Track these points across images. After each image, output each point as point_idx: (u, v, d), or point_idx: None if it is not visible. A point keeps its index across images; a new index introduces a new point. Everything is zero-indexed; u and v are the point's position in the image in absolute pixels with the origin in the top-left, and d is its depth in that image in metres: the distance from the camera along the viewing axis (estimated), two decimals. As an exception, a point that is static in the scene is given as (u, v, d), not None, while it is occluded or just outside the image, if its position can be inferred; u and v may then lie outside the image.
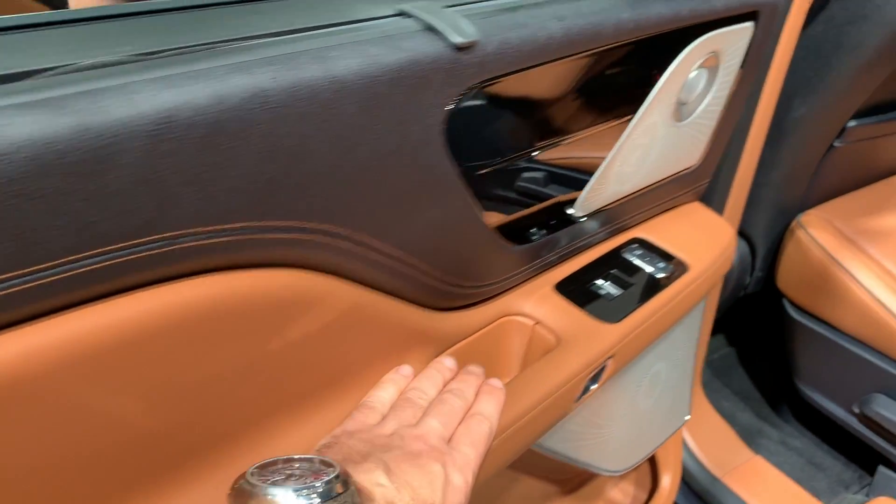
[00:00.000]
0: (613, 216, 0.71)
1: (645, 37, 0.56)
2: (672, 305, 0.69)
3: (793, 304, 1.16)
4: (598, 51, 0.53)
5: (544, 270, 0.66)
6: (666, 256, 0.73)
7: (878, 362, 1.04)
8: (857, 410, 1.09)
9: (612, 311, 0.65)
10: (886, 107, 1.10)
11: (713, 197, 0.93)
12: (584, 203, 0.64)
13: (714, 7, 0.60)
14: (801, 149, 1.06)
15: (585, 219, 0.66)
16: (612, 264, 0.71)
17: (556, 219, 0.63)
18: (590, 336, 0.61)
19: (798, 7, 0.81)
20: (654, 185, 0.72)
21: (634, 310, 0.65)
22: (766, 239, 1.16)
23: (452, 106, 0.43)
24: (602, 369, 0.63)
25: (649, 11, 0.55)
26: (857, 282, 1.04)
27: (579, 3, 0.51)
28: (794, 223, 1.14)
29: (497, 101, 0.49)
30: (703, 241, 0.77)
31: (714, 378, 1.36)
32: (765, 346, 1.39)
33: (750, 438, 1.24)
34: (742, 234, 1.17)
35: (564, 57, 0.50)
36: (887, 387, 1.04)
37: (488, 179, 0.52)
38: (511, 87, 0.49)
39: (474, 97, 0.45)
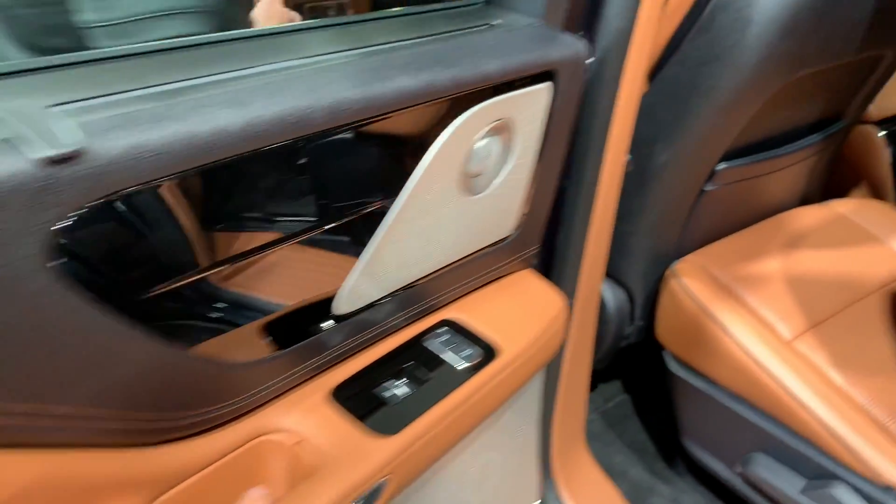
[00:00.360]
0: (414, 298, 0.62)
1: (391, 113, 0.48)
2: (477, 399, 0.61)
3: (673, 356, 1.09)
4: (314, 136, 0.44)
5: (318, 374, 0.58)
6: (475, 341, 0.65)
7: (756, 420, 0.98)
8: (739, 470, 1.02)
9: (394, 419, 0.56)
10: (755, 147, 1.05)
11: (566, 256, 0.85)
12: (354, 295, 0.55)
13: (486, 74, 0.53)
14: (669, 194, 1.00)
15: (371, 308, 0.58)
16: (411, 356, 0.62)
17: (319, 316, 0.55)
18: (355, 455, 0.52)
19: (637, 53, 0.74)
20: (459, 262, 0.64)
21: (421, 415, 0.57)
22: (643, 287, 1.10)
23: (66, 227, 0.34)
24: (377, 490, 0.54)
25: (386, 87, 0.46)
26: (730, 335, 0.97)
27: (280, 84, 0.43)
28: (668, 271, 1.07)
29: (168, 209, 0.40)
30: (525, 317, 0.69)
31: (607, 429, 1.28)
32: (660, 395, 1.33)
33: (640, 496, 1.17)
34: (619, 282, 1.10)
35: (258, 149, 0.41)
36: (767, 446, 0.98)
37: (175, 297, 0.43)
38: (185, 189, 0.40)
39: (118, 210, 0.36)
